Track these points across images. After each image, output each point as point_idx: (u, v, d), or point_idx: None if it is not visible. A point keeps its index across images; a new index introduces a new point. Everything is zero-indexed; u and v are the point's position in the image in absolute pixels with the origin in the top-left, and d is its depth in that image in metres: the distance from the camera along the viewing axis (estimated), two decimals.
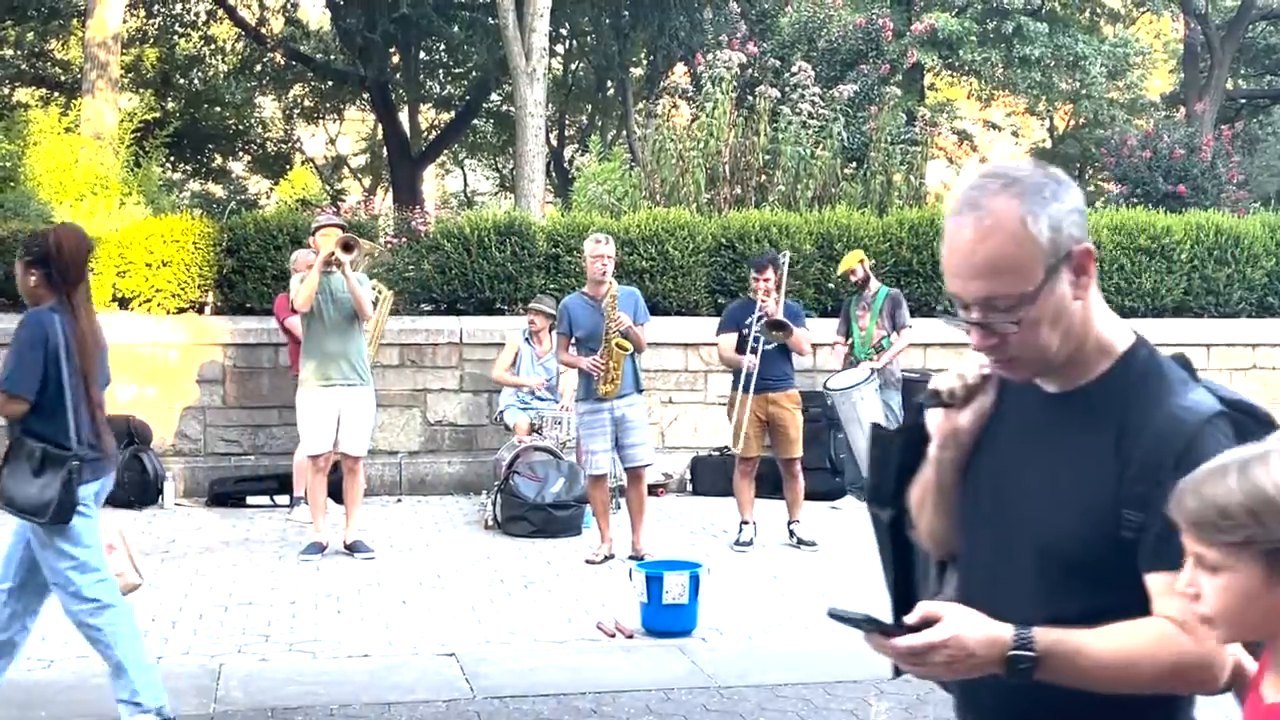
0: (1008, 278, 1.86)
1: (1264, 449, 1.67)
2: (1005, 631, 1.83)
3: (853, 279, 10.17)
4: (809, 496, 9.01)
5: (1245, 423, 1.87)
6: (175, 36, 25.72)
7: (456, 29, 23.62)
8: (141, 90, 24.77)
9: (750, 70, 14.86)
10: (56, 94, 22.44)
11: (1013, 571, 1.96)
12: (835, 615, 1.88)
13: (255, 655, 6.00)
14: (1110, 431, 1.88)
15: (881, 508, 2.26)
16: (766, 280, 8.53)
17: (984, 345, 1.93)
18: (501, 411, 10.22)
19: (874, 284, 10.13)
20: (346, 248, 7.98)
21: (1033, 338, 1.89)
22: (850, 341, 10.06)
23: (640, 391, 8.16)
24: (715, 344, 9.06)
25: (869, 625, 1.85)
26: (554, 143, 27.48)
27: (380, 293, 9.69)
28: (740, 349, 8.55)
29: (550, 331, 9.70)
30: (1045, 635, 1.82)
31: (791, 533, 8.58)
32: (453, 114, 28.44)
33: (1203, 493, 1.65)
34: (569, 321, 8.01)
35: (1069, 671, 1.82)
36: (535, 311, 10.07)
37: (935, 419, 2.10)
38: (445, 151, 30.98)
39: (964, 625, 1.83)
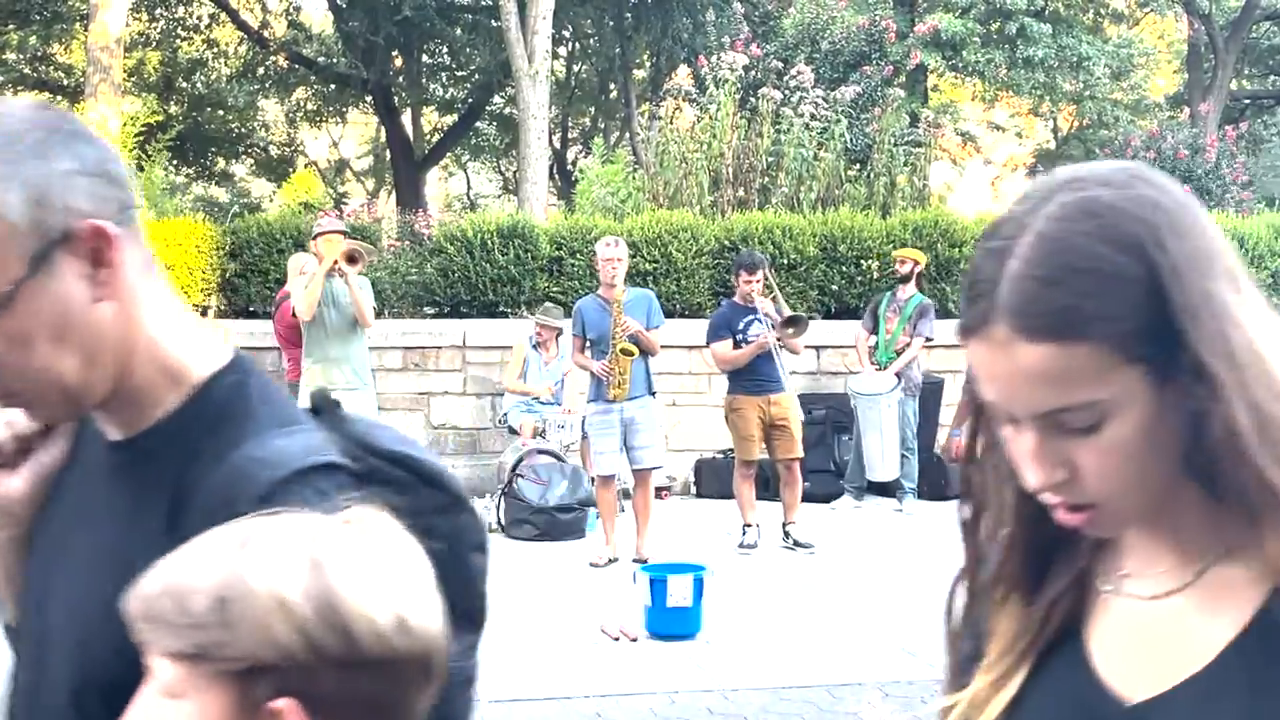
0: None
1: (284, 518, 1.09)
2: None
3: (898, 269, 10.19)
4: (813, 499, 8.96)
5: (402, 481, 1.26)
6: (178, 40, 25.76)
7: (459, 31, 23.65)
8: (144, 94, 24.78)
9: (753, 72, 14.85)
10: (59, 98, 22.50)
11: (50, 706, 1.31)
12: None
13: None
14: (165, 497, 1.26)
15: None
16: (758, 281, 8.48)
17: None
18: (505, 414, 10.22)
19: (911, 288, 10.15)
20: (351, 260, 7.97)
21: (18, 359, 1.21)
22: (874, 342, 10.07)
23: (653, 394, 8.12)
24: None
25: None
26: (557, 145, 27.49)
27: None
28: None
29: (556, 341, 9.72)
30: None
31: (787, 534, 8.50)
32: (455, 117, 28.45)
33: (169, 573, 1.06)
34: (582, 323, 8.00)
35: None
36: (541, 324, 10.08)
37: None
38: (448, 154, 31.00)
39: None
